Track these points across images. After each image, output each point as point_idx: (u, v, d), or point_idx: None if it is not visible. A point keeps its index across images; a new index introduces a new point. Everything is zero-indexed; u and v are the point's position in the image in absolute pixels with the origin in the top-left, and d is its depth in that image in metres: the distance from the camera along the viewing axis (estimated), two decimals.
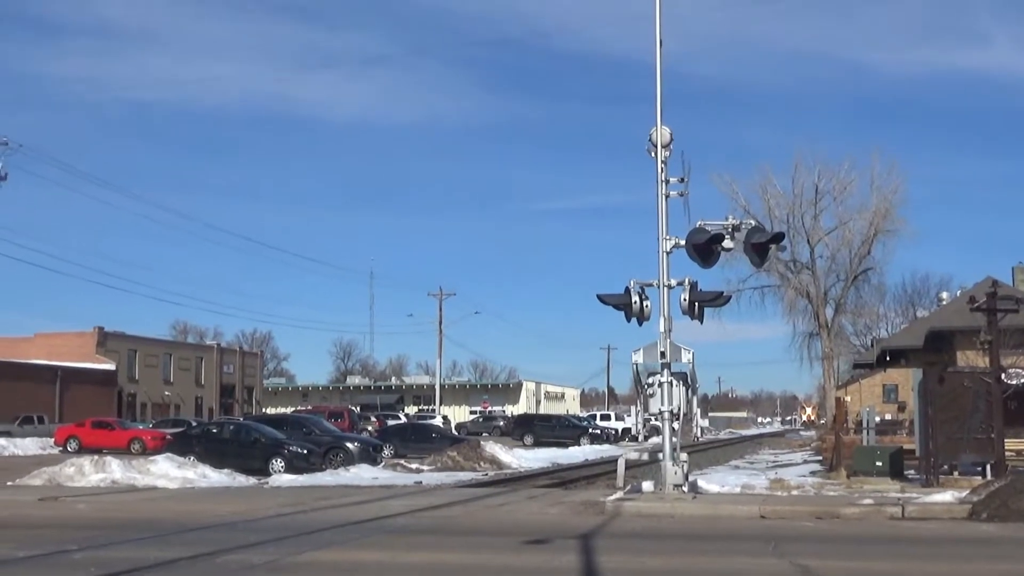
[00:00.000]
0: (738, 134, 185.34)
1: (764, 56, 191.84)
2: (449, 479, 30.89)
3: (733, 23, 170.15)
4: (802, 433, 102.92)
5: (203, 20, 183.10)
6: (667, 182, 21.11)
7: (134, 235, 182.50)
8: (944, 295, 69.48)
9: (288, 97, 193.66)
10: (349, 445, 36.68)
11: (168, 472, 27.62)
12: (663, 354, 20.61)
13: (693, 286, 20.66)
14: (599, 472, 34.98)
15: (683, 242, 20.53)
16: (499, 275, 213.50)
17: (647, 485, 21.10)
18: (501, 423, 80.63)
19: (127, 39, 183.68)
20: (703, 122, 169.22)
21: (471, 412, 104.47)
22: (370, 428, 60.51)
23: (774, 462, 44.62)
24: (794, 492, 23.01)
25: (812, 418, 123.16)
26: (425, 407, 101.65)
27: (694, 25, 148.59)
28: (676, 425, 20.80)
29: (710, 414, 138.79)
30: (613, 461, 30.64)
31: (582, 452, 52.40)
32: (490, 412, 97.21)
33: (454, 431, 66.88)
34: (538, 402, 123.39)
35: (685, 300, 20.58)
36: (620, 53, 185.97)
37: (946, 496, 19.43)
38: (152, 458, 30.15)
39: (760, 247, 20.67)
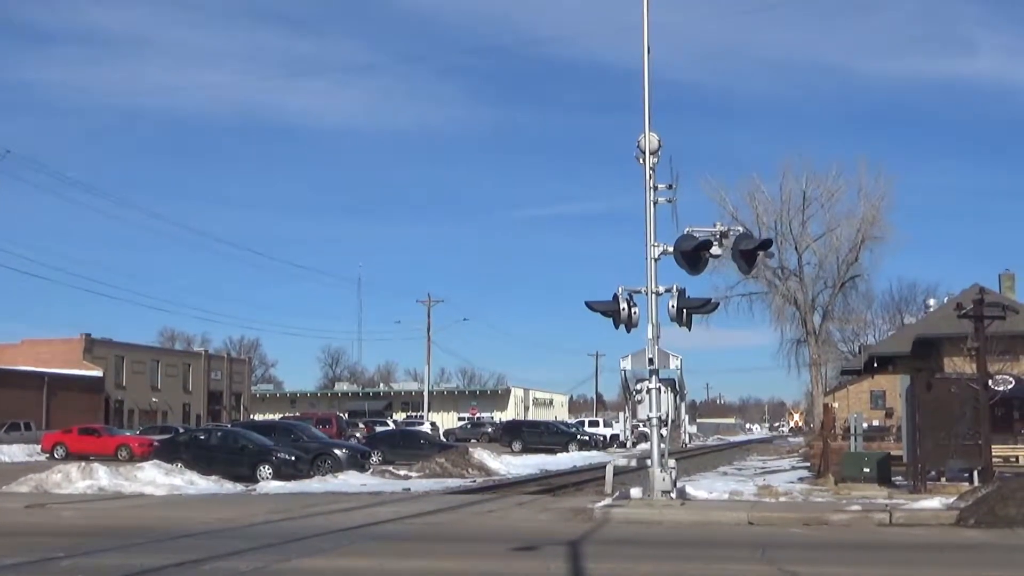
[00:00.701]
0: (727, 141, 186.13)
1: (753, 64, 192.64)
2: (437, 486, 30.86)
3: (722, 32, 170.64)
4: (790, 439, 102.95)
5: (192, 28, 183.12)
6: (655, 189, 21.13)
7: (121, 242, 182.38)
8: (931, 302, 69.80)
9: (277, 105, 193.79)
10: (337, 452, 36.63)
11: (155, 479, 27.53)
12: (651, 361, 20.62)
13: (681, 293, 20.67)
14: (587, 478, 34.98)
15: (671, 249, 20.54)
16: (488, 282, 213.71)
17: (635, 491, 21.08)
18: (489, 429, 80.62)
19: (117, 47, 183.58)
20: (692, 129, 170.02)
21: (459, 418, 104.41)
22: (358, 435, 60.46)
23: (762, 468, 44.66)
24: (782, 498, 23.04)
25: (800, 424, 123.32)
26: (413, 413, 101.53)
27: (684, 34, 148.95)
28: (664, 431, 20.80)
29: (698, 420, 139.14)
30: (601, 467, 30.65)
31: (570, 458, 52.43)
32: (478, 418, 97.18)
33: (442, 438, 66.86)
34: (526, 408, 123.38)
35: (673, 307, 20.59)
36: (609, 62, 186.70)
37: (933, 502, 19.49)
38: (139, 465, 30.06)
39: (748, 254, 20.70)
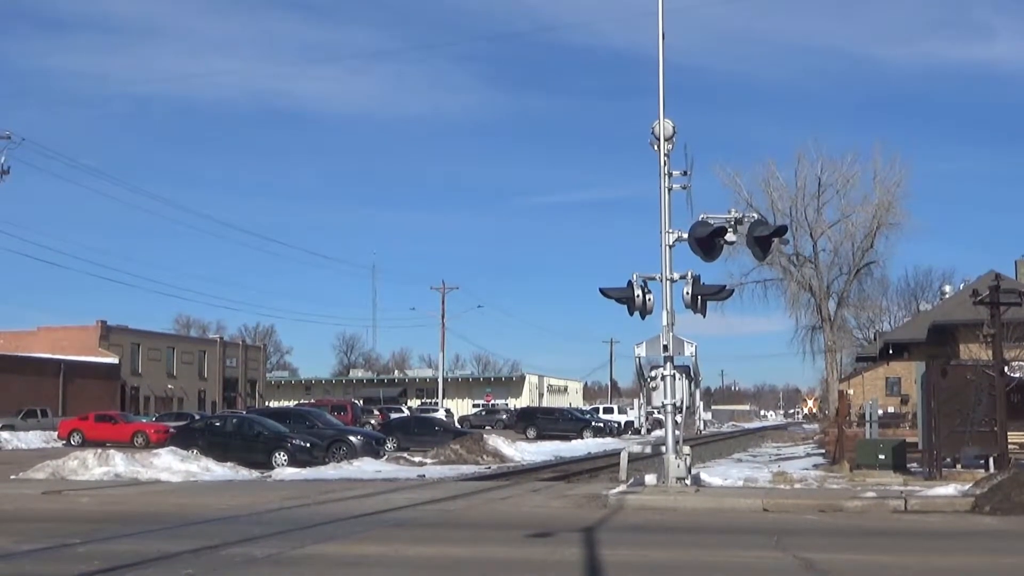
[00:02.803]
0: (742, 127, 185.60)
1: (768, 50, 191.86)
2: (452, 472, 30.93)
3: (737, 17, 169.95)
4: (805, 426, 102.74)
5: (206, 15, 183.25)
6: (670, 175, 21.05)
7: (137, 229, 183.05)
8: (947, 288, 69.60)
9: (291, 92, 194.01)
10: (352, 438, 36.73)
11: (171, 465, 27.64)
12: (666, 347, 20.57)
13: (696, 280, 20.61)
14: (602, 465, 35.03)
15: (686, 235, 20.47)
16: (502, 269, 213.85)
17: (650, 478, 21.05)
18: (504, 416, 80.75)
19: (130, 34, 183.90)
20: (706, 115, 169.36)
21: (474, 405, 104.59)
22: (373, 421, 60.70)
23: (777, 455, 44.63)
24: (797, 485, 23.01)
25: (814, 411, 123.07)
26: (428, 400, 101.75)
27: (698, 19, 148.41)
28: (679, 418, 20.76)
29: (713, 407, 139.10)
30: (616, 454, 30.66)
31: (585, 445, 52.50)
32: (493, 405, 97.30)
33: (457, 424, 67.03)
34: (541, 395, 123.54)
35: (688, 294, 20.53)
36: (624, 47, 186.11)
37: (949, 489, 19.42)
38: (155, 451, 30.18)
39: (763, 240, 20.62)
